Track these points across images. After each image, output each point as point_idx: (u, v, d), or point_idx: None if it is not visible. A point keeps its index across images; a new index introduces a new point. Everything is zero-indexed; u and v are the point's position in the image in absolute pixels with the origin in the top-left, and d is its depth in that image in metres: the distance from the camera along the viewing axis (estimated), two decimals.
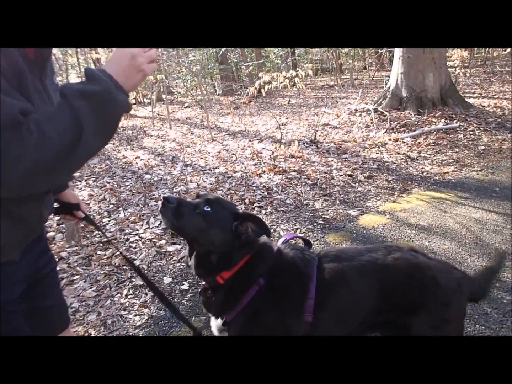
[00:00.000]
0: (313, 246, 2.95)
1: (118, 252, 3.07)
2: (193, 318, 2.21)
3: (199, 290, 1.33)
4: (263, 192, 4.06)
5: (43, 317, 1.21)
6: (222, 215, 1.22)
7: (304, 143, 5.78)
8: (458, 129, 5.89)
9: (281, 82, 6.48)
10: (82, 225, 3.37)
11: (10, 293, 1.03)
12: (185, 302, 2.41)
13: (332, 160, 5.01)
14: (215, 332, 1.32)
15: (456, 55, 8.31)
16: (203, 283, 1.32)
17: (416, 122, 6.24)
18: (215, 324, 1.31)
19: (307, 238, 1.41)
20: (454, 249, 2.68)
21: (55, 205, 1.31)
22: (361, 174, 4.50)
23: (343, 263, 1.29)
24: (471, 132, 5.78)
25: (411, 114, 6.49)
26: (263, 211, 3.64)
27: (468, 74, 11.14)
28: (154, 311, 2.34)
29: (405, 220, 3.20)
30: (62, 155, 0.78)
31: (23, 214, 0.99)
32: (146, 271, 2.81)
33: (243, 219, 1.23)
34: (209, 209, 1.20)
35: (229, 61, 14.57)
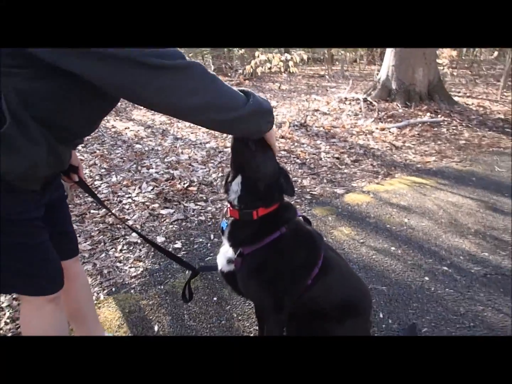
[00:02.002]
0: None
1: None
2: (187, 272, 2.34)
3: (226, 220, 1.39)
4: None
5: (61, 241, 1.33)
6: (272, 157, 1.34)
7: (294, 126, 5.91)
8: (442, 123, 6.14)
9: (275, 65, 6.55)
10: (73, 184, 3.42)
11: (38, 211, 1.15)
12: None
13: (320, 143, 5.17)
14: (222, 263, 1.42)
15: (446, 54, 8.54)
16: (231, 218, 1.37)
17: (402, 114, 6.46)
18: (225, 256, 1.40)
19: (308, 217, 1.59)
20: (431, 227, 2.89)
21: None
22: (348, 157, 4.67)
23: (340, 259, 1.54)
24: (453, 127, 6.04)
25: (398, 106, 6.70)
26: None
27: (455, 74, 11.44)
28: (149, 264, 2.46)
29: (387, 200, 3.39)
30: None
31: (63, 153, 1.13)
32: (139, 231, 2.91)
33: (281, 171, 1.36)
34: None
35: None
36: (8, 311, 2.01)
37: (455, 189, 3.66)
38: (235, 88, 1.06)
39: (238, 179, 1.32)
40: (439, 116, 6.38)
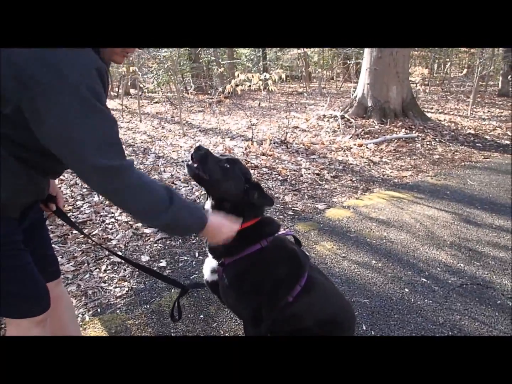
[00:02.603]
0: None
1: (94, 232, 3.15)
2: (173, 290, 2.35)
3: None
4: None
5: (41, 264, 1.34)
6: (236, 174, 1.39)
7: (274, 143, 6.02)
8: (416, 139, 6.38)
9: (254, 84, 6.70)
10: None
11: (18, 235, 1.19)
12: None
13: (301, 160, 5.28)
14: (207, 273, 1.52)
15: (418, 72, 8.92)
16: None
17: (379, 130, 6.68)
18: (210, 266, 1.50)
19: (298, 238, 1.66)
20: (409, 240, 3.00)
21: None
22: (328, 173, 4.79)
23: (325, 280, 1.58)
24: (427, 142, 6.28)
25: (374, 123, 6.93)
26: None
27: (427, 91, 11.91)
28: (134, 284, 2.46)
29: (367, 214, 3.50)
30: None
31: (41, 185, 1.21)
32: (123, 250, 2.91)
33: (252, 185, 1.42)
34: (228, 166, 1.37)
35: (200, 61, 14.64)
36: None
37: (430, 202, 3.81)
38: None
39: (210, 198, 1.43)
40: (413, 132, 6.63)
